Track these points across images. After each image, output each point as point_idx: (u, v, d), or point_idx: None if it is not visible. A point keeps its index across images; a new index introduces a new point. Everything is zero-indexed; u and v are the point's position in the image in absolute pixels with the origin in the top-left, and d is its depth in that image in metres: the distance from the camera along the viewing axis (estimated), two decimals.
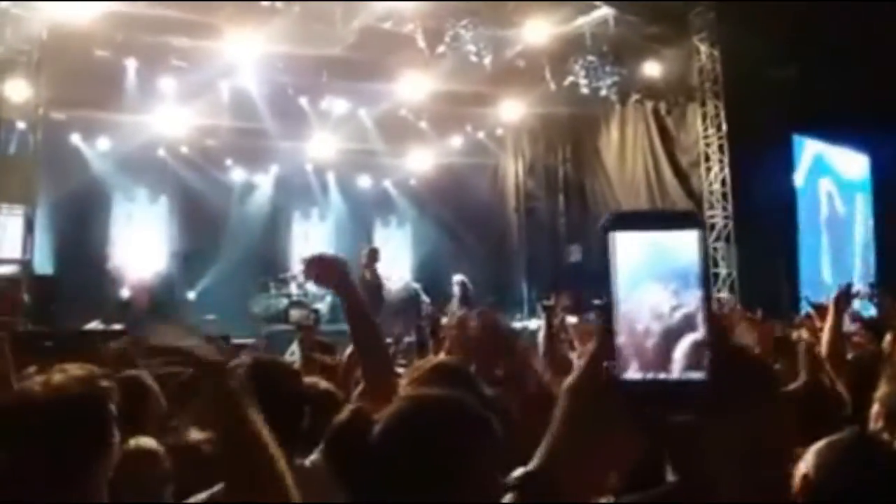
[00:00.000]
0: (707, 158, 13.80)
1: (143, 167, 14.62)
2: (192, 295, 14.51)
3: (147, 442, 2.65)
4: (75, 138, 13.96)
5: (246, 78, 13.24)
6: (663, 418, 0.87)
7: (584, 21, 12.94)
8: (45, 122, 13.00)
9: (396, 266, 17.23)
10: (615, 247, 0.88)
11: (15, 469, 1.69)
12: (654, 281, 0.87)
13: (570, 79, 13.91)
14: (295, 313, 13.07)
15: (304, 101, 14.67)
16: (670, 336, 0.86)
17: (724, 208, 13.61)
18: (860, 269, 15.71)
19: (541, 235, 17.29)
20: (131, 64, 12.65)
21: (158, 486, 2.53)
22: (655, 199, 14.64)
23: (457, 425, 1.45)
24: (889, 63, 13.05)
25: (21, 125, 12.72)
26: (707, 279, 0.88)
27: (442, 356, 2.70)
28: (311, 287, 14.97)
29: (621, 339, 0.87)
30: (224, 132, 14.73)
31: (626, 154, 15.23)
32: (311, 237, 17.13)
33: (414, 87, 13.79)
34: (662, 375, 0.86)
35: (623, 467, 0.93)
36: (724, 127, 13.58)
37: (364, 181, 17.52)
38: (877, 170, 16.17)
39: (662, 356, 0.86)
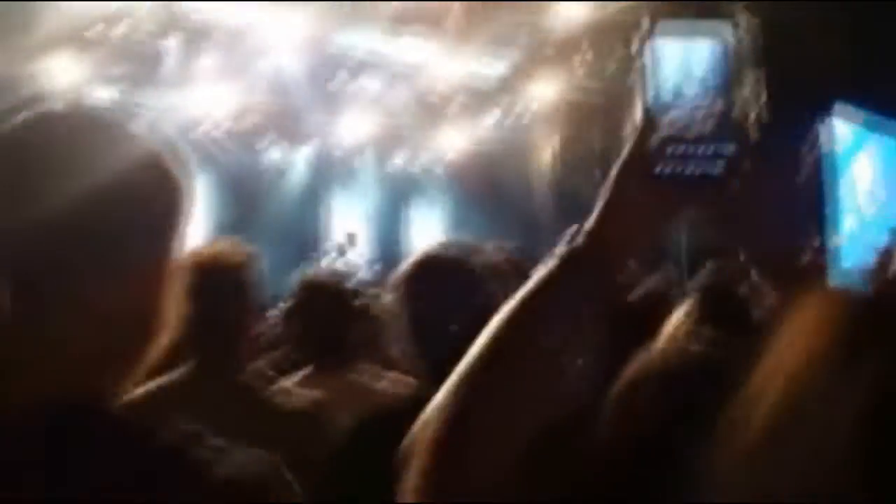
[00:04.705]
0: None
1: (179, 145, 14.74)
2: None
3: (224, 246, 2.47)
4: None
5: (282, 56, 13.25)
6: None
7: (623, 2, 12.75)
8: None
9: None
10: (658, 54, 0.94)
11: None
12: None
13: (606, 58, 13.71)
14: None
15: (340, 79, 14.64)
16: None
17: None
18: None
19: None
20: (170, 42, 12.71)
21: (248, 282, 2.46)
22: None
23: None
24: None
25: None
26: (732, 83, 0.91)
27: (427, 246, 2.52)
28: (352, 257, 15.14)
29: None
30: (260, 111, 14.77)
31: None
32: (346, 215, 17.23)
33: (448, 67, 13.70)
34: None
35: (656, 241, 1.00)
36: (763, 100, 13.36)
37: (399, 160, 17.53)
38: None
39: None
